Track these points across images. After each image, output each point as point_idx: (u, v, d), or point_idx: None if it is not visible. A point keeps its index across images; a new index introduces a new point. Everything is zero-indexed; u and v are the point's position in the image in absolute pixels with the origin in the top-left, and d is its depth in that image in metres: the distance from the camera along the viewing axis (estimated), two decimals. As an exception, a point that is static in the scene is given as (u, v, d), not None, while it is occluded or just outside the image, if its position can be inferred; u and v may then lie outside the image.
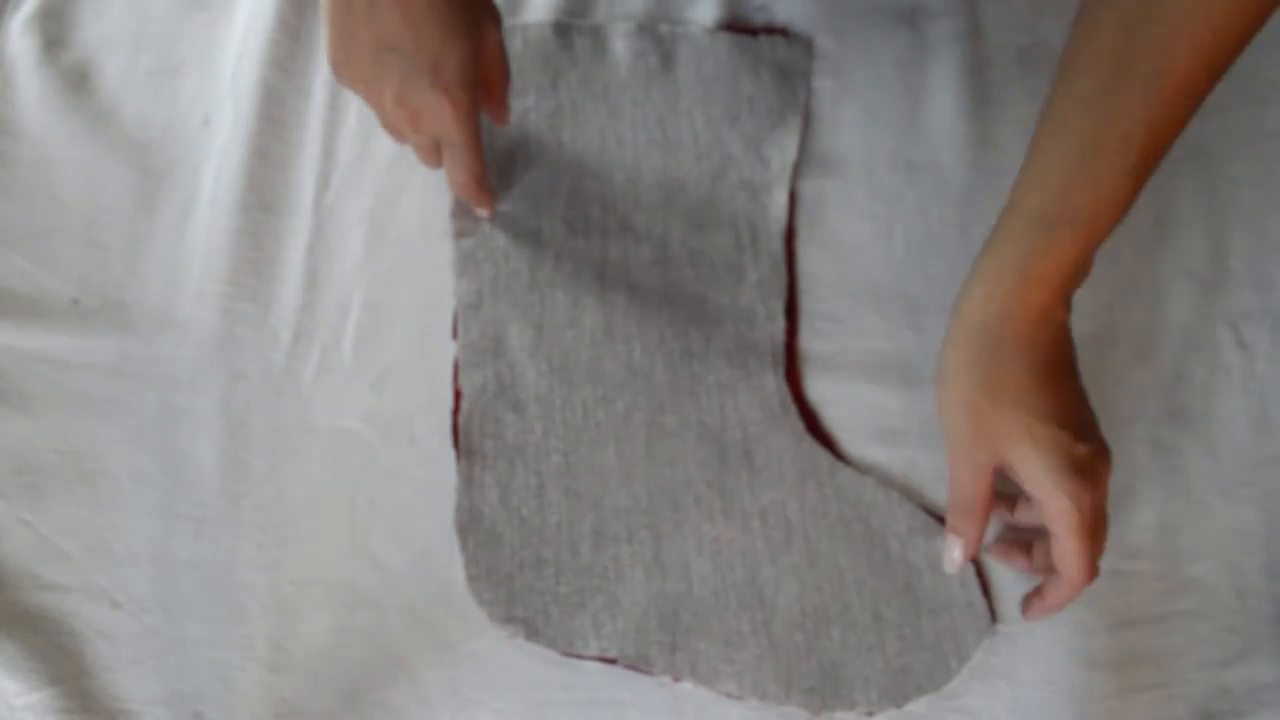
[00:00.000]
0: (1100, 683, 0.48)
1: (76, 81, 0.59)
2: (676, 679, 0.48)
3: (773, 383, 0.53)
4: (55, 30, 0.60)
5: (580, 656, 0.48)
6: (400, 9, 0.45)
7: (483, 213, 0.55)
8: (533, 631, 0.49)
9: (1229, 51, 0.38)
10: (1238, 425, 0.53)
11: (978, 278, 0.42)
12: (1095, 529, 0.42)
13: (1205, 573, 0.50)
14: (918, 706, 0.48)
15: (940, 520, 0.50)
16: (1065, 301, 0.42)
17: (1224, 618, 0.50)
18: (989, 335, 0.41)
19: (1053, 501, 0.41)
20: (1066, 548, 0.42)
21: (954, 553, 0.46)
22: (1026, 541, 0.48)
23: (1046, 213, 0.40)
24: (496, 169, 0.57)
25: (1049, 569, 0.45)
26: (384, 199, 0.57)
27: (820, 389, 0.53)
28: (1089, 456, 0.42)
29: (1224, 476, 0.52)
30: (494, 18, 0.49)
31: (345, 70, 0.48)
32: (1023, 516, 0.48)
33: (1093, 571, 0.43)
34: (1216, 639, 0.49)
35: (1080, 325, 0.54)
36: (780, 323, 0.54)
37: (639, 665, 0.48)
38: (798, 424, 0.52)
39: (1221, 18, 0.36)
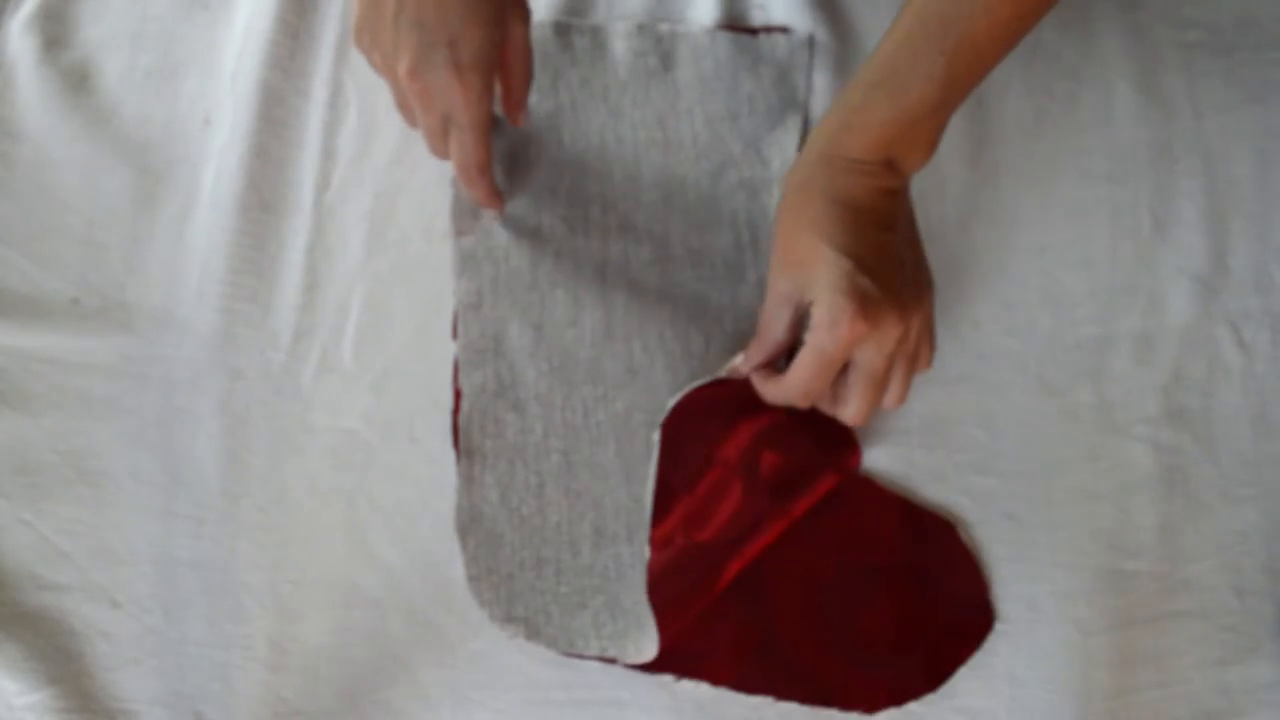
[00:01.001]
0: (1100, 683, 0.48)
1: (76, 81, 0.59)
2: (677, 678, 0.48)
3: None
4: (55, 30, 0.60)
5: (581, 656, 0.48)
6: None
7: (485, 208, 0.55)
8: (533, 631, 0.49)
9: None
10: (1238, 425, 0.53)
11: (810, 134, 0.46)
12: (870, 379, 0.44)
13: (1205, 573, 0.50)
14: (918, 706, 0.48)
15: (941, 519, 0.50)
16: (886, 164, 0.45)
17: (1224, 618, 0.50)
18: (803, 173, 0.45)
19: (816, 313, 0.43)
20: (800, 357, 0.44)
21: (734, 362, 0.48)
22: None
23: (869, 77, 0.44)
24: (496, 169, 0.57)
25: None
26: (384, 199, 0.57)
27: (820, 389, 0.54)
28: (871, 293, 0.43)
29: (1224, 476, 0.52)
30: (523, 14, 0.50)
31: (365, 37, 0.49)
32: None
33: (803, 396, 0.45)
34: (1216, 639, 0.49)
35: (1081, 326, 0.54)
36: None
37: (639, 665, 0.48)
38: (798, 424, 0.52)
39: None
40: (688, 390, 0.49)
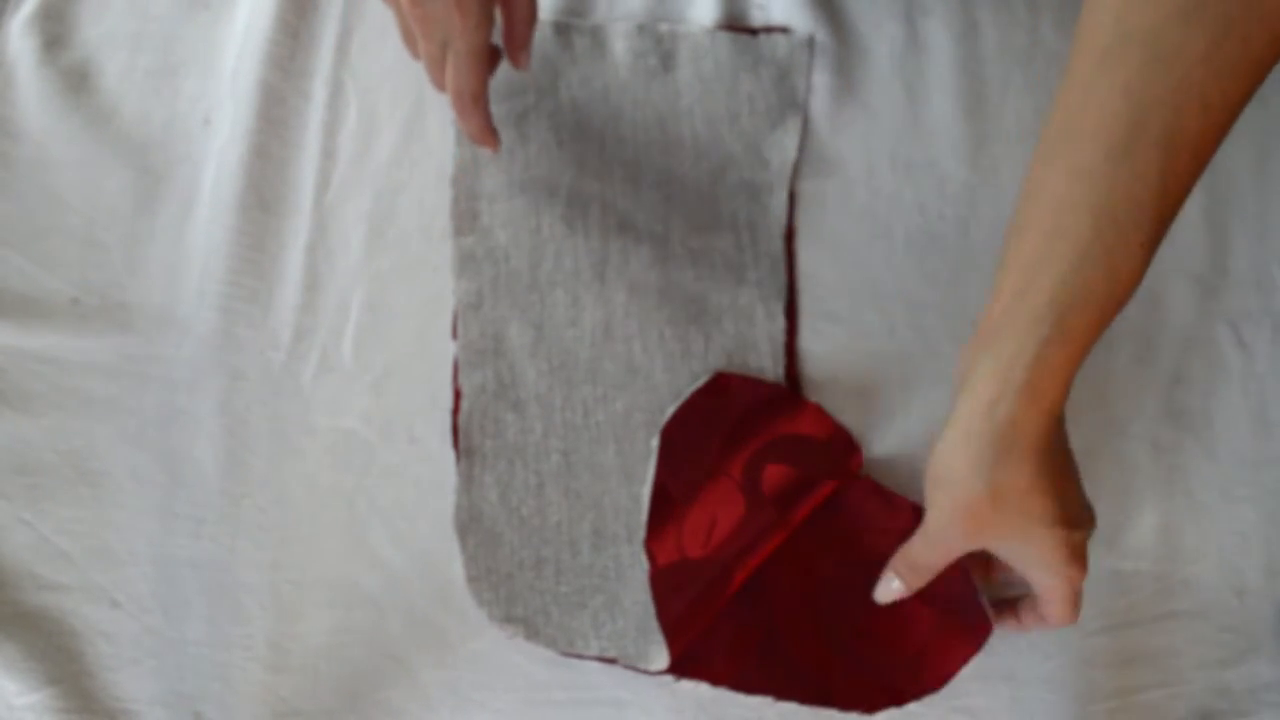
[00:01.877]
0: (1100, 683, 0.48)
1: (76, 81, 0.59)
2: (677, 678, 0.48)
3: (772, 383, 0.53)
4: (55, 30, 0.60)
5: (580, 656, 0.48)
6: None
7: (479, 145, 0.54)
8: (533, 631, 0.49)
9: (1236, 106, 0.36)
10: (1238, 425, 0.53)
11: (983, 374, 0.38)
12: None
13: (1205, 573, 0.50)
14: (918, 706, 0.48)
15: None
16: (1068, 394, 0.39)
17: (1224, 618, 0.50)
18: (996, 442, 0.38)
19: (1049, 588, 0.43)
20: (1058, 613, 0.44)
21: (890, 588, 0.46)
22: (1011, 600, 0.48)
23: (1057, 297, 0.36)
24: (496, 169, 0.57)
25: (1036, 622, 0.46)
26: (384, 199, 0.57)
27: (820, 389, 0.53)
28: (1082, 541, 0.42)
29: (1224, 476, 0.52)
30: None
31: None
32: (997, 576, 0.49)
33: (1075, 617, 0.44)
34: (1216, 639, 0.49)
35: (1080, 325, 0.54)
36: (780, 323, 0.54)
37: (639, 665, 0.48)
38: (798, 424, 0.52)
39: (1229, 72, 0.35)
40: (688, 395, 0.49)
